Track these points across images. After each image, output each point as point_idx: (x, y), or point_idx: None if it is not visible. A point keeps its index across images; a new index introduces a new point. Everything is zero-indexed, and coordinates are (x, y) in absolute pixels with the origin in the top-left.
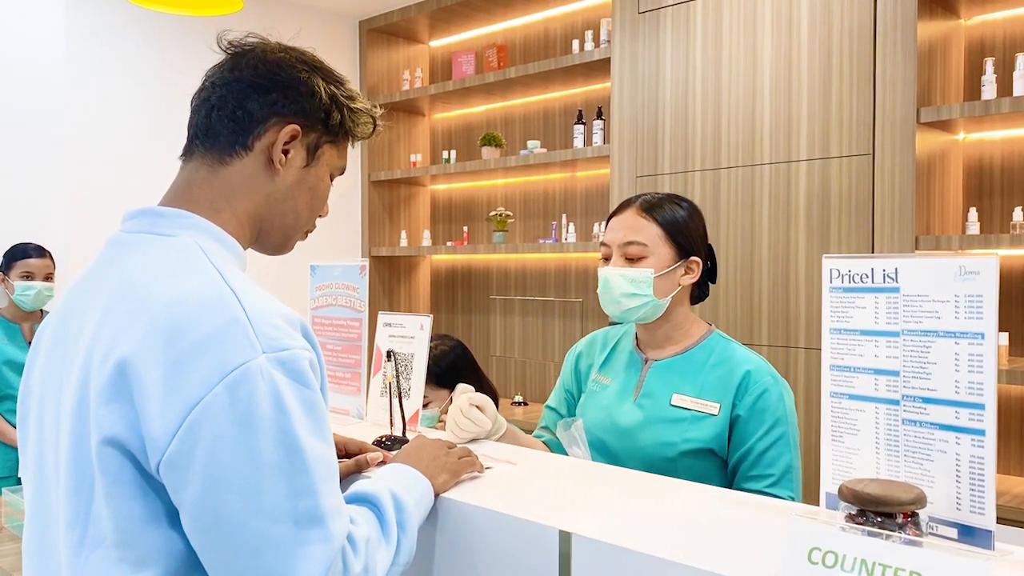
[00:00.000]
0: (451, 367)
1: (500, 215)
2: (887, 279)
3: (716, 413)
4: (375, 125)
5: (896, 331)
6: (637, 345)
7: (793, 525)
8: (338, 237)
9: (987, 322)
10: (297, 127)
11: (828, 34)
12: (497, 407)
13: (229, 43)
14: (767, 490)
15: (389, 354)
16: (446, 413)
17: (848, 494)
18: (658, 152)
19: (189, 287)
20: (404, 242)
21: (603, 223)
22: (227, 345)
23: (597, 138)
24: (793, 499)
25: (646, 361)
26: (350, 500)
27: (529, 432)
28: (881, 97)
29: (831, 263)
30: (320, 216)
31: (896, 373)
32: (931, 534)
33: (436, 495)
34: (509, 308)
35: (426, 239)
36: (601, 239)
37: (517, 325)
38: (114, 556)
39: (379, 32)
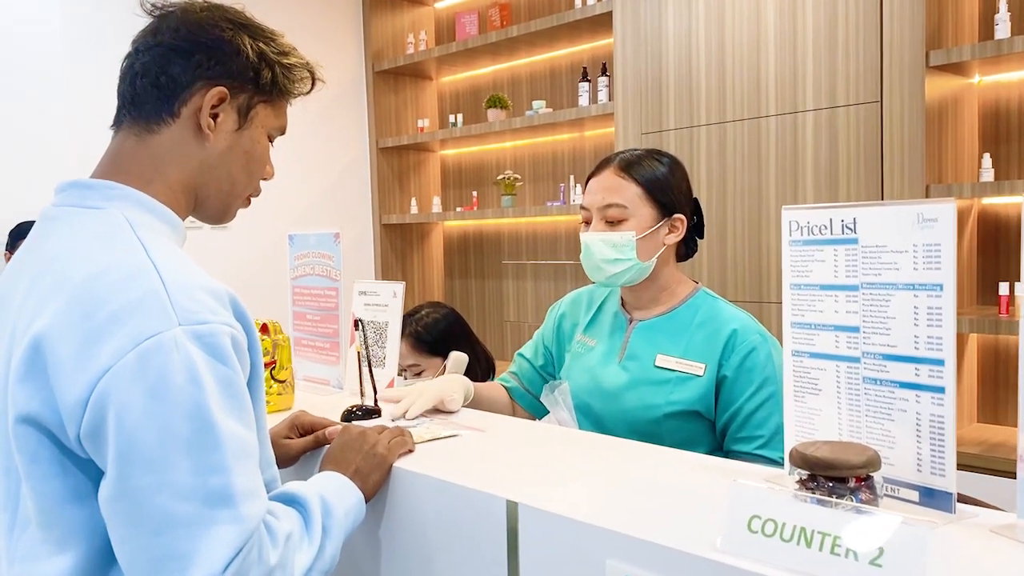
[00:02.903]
0: (443, 335)
1: (508, 179)
2: (846, 230)
3: (701, 374)
4: (313, 80)
5: (855, 284)
6: (623, 306)
7: (733, 491)
8: (348, 206)
9: (945, 272)
10: (224, 89)
11: None
12: (494, 374)
13: (153, 6)
14: (757, 452)
15: (357, 323)
16: None
17: (797, 458)
18: (662, 107)
19: (108, 261)
20: (415, 209)
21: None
22: (142, 316)
23: (603, 95)
24: (784, 461)
25: (631, 322)
26: (277, 499)
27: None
28: (889, 41)
29: (790, 215)
30: (264, 179)
31: (856, 329)
32: (892, 497)
33: (369, 499)
34: (521, 272)
35: (436, 205)
36: (581, 202)
37: (530, 289)
38: (39, 537)
39: None
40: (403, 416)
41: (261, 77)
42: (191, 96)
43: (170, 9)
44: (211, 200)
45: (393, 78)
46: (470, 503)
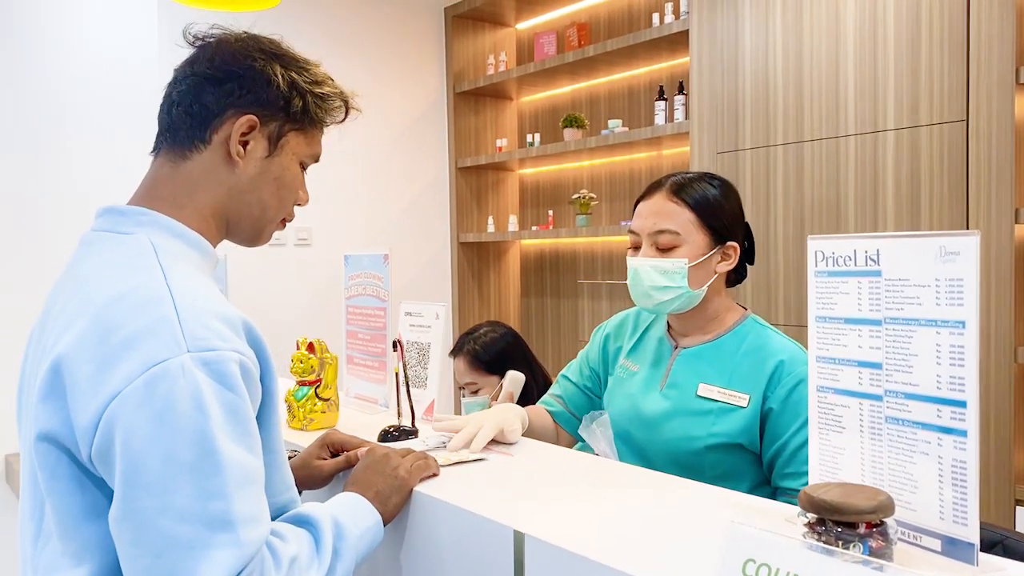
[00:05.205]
0: (500, 354)
1: (583, 198)
2: (869, 262)
3: (745, 405)
4: (347, 109)
5: (879, 319)
6: (668, 331)
7: (729, 532)
8: (427, 224)
9: (968, 309)
10: (254, 118)
11: None
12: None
13: (194, 36)
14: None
15: (395, 344)
16: (495, 400)
17: (805, 501)
18: (738, 126)
19: (128, 286)
20: (491, 228)
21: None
22: (152, 342)
23: (679, 114)
24: None
25: (675, 348)
26: (290, 520)
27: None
28: (976, 57)
29: (815, 244)
30: (298, 205)
31: (879, 366)
32: (915, 544)
33: (388, 521)
34: (596, 292)
35: (513, 224)
36: (629, 226)
37: (605, 309)
38: (59, 550)
39: (464, 17)
40: (466, 448)
41: (292, 106)
42: (222, 124)
43: (208, 40)
44: (242, 224)
45: (473, 99)
46: (480, 531)
